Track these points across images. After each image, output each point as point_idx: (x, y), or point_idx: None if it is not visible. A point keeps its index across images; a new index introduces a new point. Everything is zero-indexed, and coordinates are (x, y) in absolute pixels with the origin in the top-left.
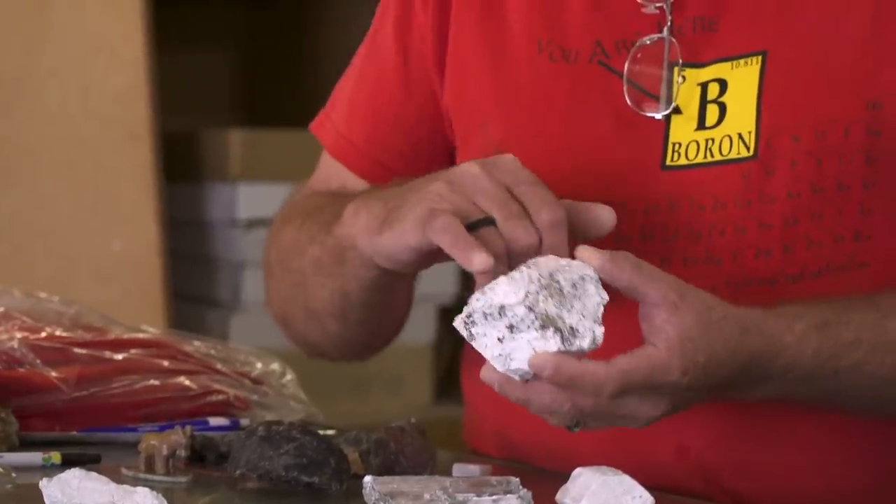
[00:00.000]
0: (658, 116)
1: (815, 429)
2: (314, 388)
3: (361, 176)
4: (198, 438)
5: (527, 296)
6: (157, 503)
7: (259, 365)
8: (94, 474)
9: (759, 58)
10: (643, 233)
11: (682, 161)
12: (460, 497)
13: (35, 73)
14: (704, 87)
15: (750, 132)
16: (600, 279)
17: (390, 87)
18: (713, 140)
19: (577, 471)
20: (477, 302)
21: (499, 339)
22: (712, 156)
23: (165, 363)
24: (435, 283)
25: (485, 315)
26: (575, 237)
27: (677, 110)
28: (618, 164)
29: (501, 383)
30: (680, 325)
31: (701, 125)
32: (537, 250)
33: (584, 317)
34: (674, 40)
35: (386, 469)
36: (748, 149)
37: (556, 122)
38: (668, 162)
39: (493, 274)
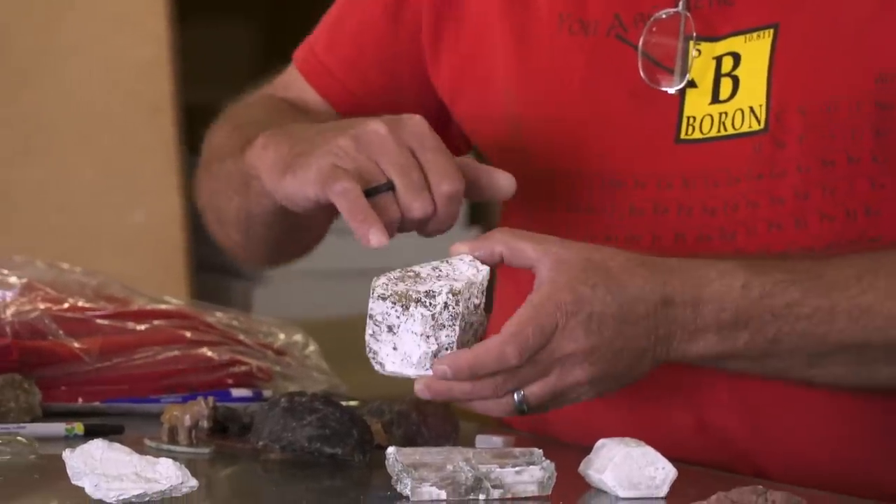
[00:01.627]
0: (672, 91)
1: (824, 403)
2: (337, 358)
3: (325, 97)
4: (220, 409)
5: (374, 290)
6: (179, 474)
7: (282, 336)
8: (116, 445)
9: (771, 31)
10: (657, 207)
11: (697, 135)
12: (483, 468)
13: (58, 46)
14: (719, 60)
15: (761, 105)
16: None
17: (378, 25)
18: (726, 114)
19: (601, 442)
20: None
21: (394, 349)
22: (725, 129)
23: (188, 334)
24: None
25: (373, 338)
26: (479, 198)
27: (692, 84)
28: (632, 136)
29: (435, 391)
30: (556, 260)
31: (715, 99)
32: (431, 220)
33: (439, 279)
34: (689, 14)
35: (409, 440)
36: (759, 122)
37: (573, 94)
38: (682, 136)
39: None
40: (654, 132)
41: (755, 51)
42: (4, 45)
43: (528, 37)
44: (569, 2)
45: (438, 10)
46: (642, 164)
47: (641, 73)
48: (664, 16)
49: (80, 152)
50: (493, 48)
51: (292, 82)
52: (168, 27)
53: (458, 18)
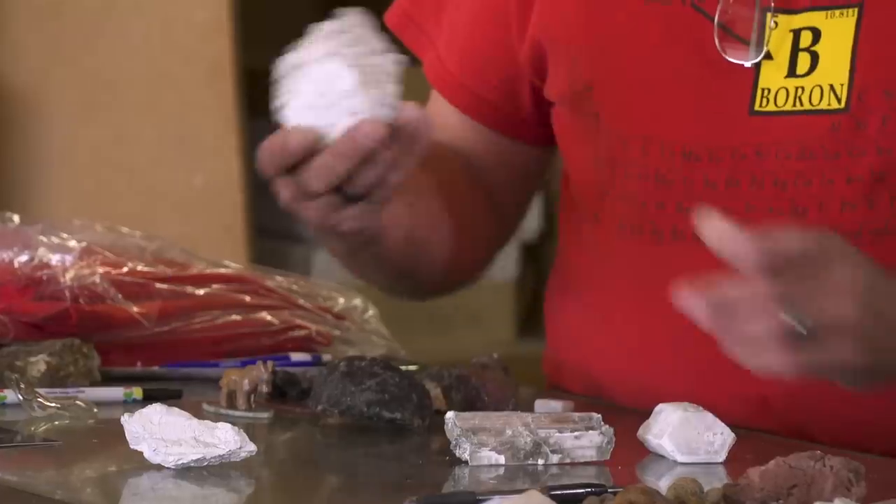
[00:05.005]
0: (747, 64)
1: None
2: (396, 323)
3: (456, 106)
4: (279, 374)
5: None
6: (238, 438)
7: (341, 300)
8: (175, 409)
9: (856, 10)
10: (730, 179)
11: (771, 107)
12: (542, 433)
13: (118, 7)
14: (797, 34)
15: (842, 84)
16: None
17: (488, 17)
18: (803, 89)
19: (659, 407)
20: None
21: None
22: (801, 104)
23: (247, 298)
24: None
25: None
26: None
27: (768, 56)
28: (706, 107)
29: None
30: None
31: (791, 73)
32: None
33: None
34: None
35: (468, 405)
36: (839, 101)
37: (647, 63)
38: (756, 107)
39: None
40: (728, 103)
41: (838, 28)
42: (66, 6)
43: (601, 2)
44: None
45: None
46: (716, 135)
47: (717, 44)
48: None
49: (139, 114)
50: (563, 10)
51: (434, 110)
52: None
53: None
